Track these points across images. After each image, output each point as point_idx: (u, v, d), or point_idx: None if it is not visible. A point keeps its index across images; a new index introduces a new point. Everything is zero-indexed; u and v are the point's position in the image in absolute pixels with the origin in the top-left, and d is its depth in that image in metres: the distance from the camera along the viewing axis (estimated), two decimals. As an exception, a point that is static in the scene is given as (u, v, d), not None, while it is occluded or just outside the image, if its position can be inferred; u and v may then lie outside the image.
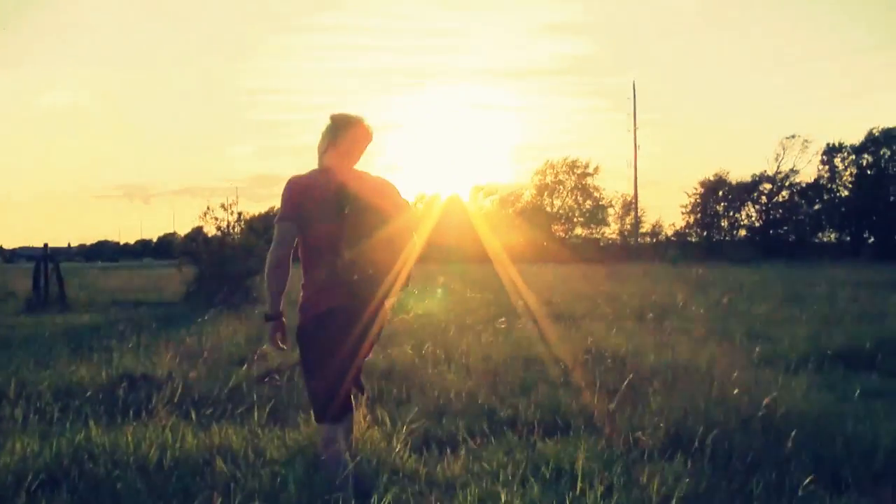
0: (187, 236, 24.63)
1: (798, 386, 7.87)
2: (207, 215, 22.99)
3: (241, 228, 23.38)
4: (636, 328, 13.06)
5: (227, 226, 23.09)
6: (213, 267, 22.07)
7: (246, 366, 9.44)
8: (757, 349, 10.27)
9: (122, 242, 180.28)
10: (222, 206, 23.12)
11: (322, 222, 4.52)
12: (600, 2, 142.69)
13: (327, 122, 4.87)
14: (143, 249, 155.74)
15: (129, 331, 13.20)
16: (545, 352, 10.06)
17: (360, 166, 4.95)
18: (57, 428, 6.34)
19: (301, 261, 4.72)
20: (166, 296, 24.24)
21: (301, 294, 4.69)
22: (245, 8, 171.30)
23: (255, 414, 6.76)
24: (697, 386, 7.60)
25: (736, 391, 7.14)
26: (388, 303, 4.79)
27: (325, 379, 4.60)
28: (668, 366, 8.85)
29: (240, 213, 23.31)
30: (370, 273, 4.54)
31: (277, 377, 8.59)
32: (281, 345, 4.78)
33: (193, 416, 6.67)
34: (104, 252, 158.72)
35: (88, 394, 7.67)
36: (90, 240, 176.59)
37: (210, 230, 23.19)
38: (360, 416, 6.46)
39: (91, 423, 6.30)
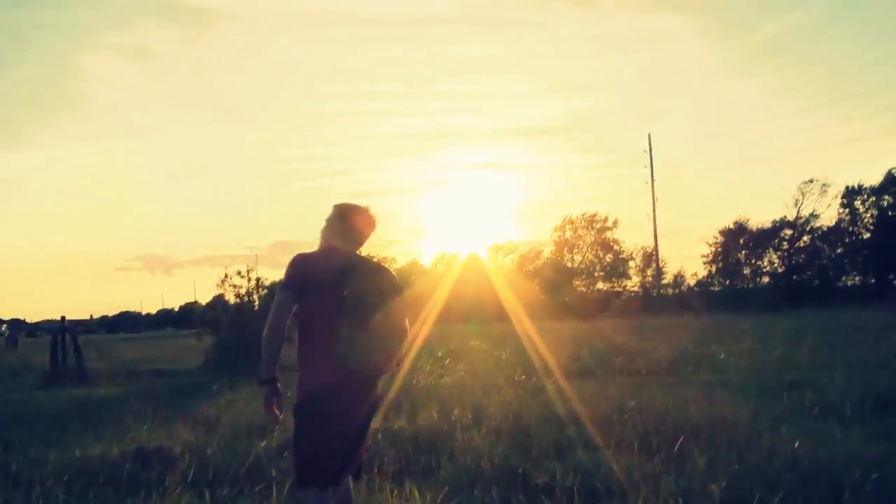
0: (208, 305, 24.25)
1: (852, 437, 7.37)
2: (226, 282, 22.73)
3: (260, 295, 23.04)
4: (671, 382, 12.56)
5: (246, 293, 22.78)
6: (232, 335, 21.74)
7: (266, 439, 8.99)
8: (800, 398, 9.79)
9: (143, 313, 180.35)
10: (239, 273, 22.84)
11: (322, 299, 4.59)
12: (607, 58, 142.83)
13: (333, 210, 5.03)
14: (165, 319, 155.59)
15: (145, 403, 12.81)
16: (579, 410, 9.58)
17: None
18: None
19: (298, 335, 4.72)
20: (186, 365, 23.80)
21: (298, 370, 4.66)
22: (263, 80, 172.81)
23: (275, 491, 6.30)
24: (746, 441, 7.12)
25: (790, 445, 6.65)
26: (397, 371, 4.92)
27: (315, 448, 4.53)
28: (711, 421, 8.36)
29: (258, 279, 23.01)
30: (365, 355, 4.59)
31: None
32: (276, 411, 4.60)
33: (208, 496, 6.21)
34: (126, 323, 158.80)
35: (99, 473, 7.23)
36: (112, 311, 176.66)
37: (229, 297, 22.86)
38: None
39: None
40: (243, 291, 22.65)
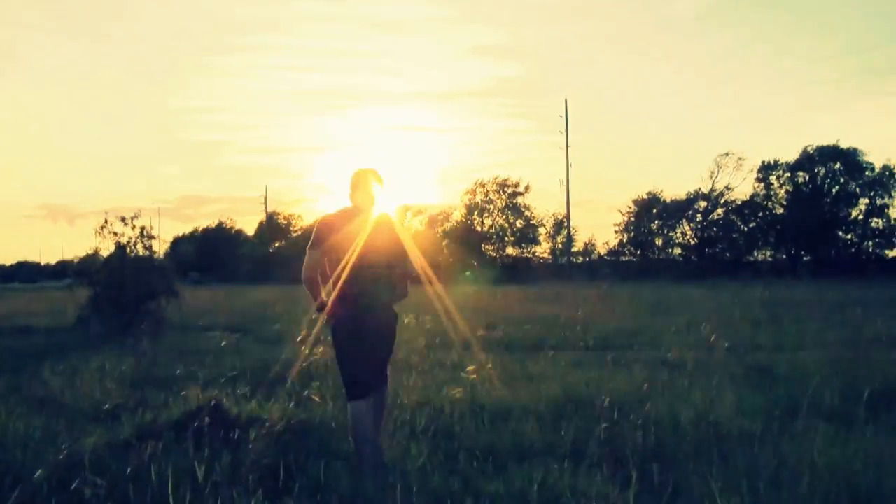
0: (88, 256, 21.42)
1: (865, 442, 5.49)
2: (105, 230, 20.02)
3: (145, 245, 20.44)
4: (616, 360, 10.60)
5: (129, 242, 20.11)
6: (108, 289, 19.21)
7: (110, 427, 6.79)
8: (779, 389, 7.93)
9: (43, 263, 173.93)
10: (123, 219, 20.13)
11: (340, 251, 5.67)
12: (527, 25, 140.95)
13: (350, 173, 6.08)
14: (65, 270, 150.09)
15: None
16: (510, 397, 7.59)
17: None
18: None
19: (332, 281, 5.71)
20: (61, 322, 21.09)
21: (330, 302, 5.72)
22: (175, 27, 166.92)
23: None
24: (741, 451, 5.19)
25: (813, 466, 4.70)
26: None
27: (349, 367, 5.69)
28: (691, 422, 6.38)
29: (143, 228, 20.32)
30: (374, 288, 5.71)
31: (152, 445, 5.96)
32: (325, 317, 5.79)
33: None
34: (23, 273, 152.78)
35: None
36: (10, 261, 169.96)
37: (108, 247, 20.12)
38: None
39: None
40: (125, 241, 19.99)
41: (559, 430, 6.40)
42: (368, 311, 5.66)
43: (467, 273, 54.62)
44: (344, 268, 5.61)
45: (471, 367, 9.34)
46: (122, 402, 7.86)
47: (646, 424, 6.28)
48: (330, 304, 5.71)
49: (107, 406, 7.69)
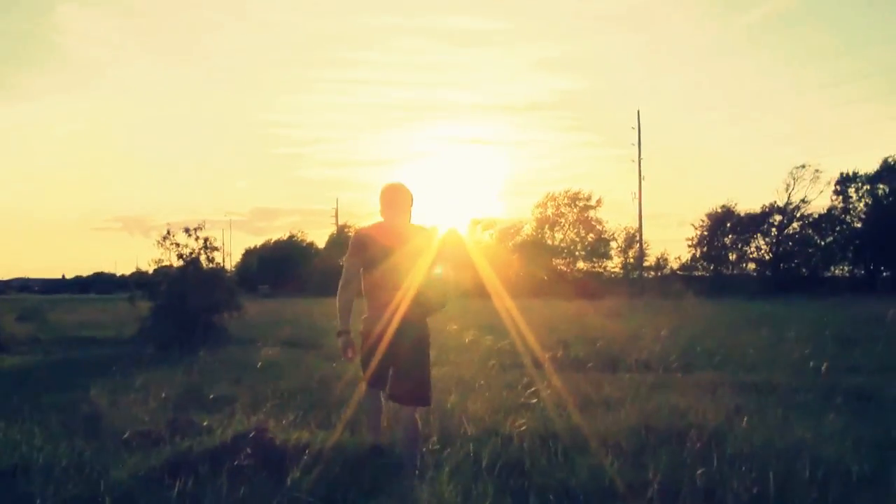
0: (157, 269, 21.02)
1: None
2: (167, 241, 19.59)
3: (209, 256, 19.95)
4: (697, 382, 9.76)
5: (191, 254, 19.65)
6: (169, 302, 18.75)
7: (144, 456, 6.17)
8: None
9: (118, 274, 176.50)
10: (186, 230, 19.71)
11: (379, 265, 5.81)
12: (592, 38, 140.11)
13: (380, 188, 6.10)
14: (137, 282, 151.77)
15: (28, 383, 10.13)
16: (585, 426, 6.84)
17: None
18: None
19: (364, 290, 5.98)
20: (127, 333, 20.68)
21: (365, 313, 5.95)
22: (252, 45, 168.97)
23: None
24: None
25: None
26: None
27: (364, 359, 5.85)
28: (800, 461, 5.54)
29: (206, 240, 19.85)
30: (415, 301, 5.72)
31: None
32: (350, 355, 5.88)
33: None
34: (99, 284, 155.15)
35: None
36: (87, 271, 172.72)
37: (170, 259, 19.70)
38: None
39: None
40: (187, 252, 19.54)
41: (643, 465, 5.64)
42: (402, 321, 5.69)
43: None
44: (380, 278, 5.79)
45: (543, 391, 8.63)
46: (162, 425, 7.23)
47: (746, 462, 5.50)
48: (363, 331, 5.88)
49: (144, 429, 7.08)
